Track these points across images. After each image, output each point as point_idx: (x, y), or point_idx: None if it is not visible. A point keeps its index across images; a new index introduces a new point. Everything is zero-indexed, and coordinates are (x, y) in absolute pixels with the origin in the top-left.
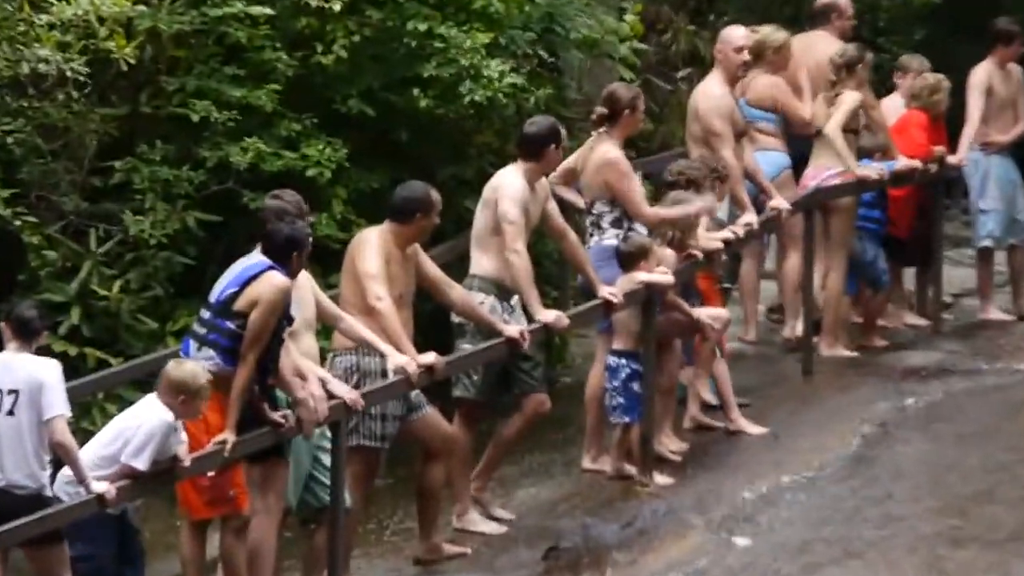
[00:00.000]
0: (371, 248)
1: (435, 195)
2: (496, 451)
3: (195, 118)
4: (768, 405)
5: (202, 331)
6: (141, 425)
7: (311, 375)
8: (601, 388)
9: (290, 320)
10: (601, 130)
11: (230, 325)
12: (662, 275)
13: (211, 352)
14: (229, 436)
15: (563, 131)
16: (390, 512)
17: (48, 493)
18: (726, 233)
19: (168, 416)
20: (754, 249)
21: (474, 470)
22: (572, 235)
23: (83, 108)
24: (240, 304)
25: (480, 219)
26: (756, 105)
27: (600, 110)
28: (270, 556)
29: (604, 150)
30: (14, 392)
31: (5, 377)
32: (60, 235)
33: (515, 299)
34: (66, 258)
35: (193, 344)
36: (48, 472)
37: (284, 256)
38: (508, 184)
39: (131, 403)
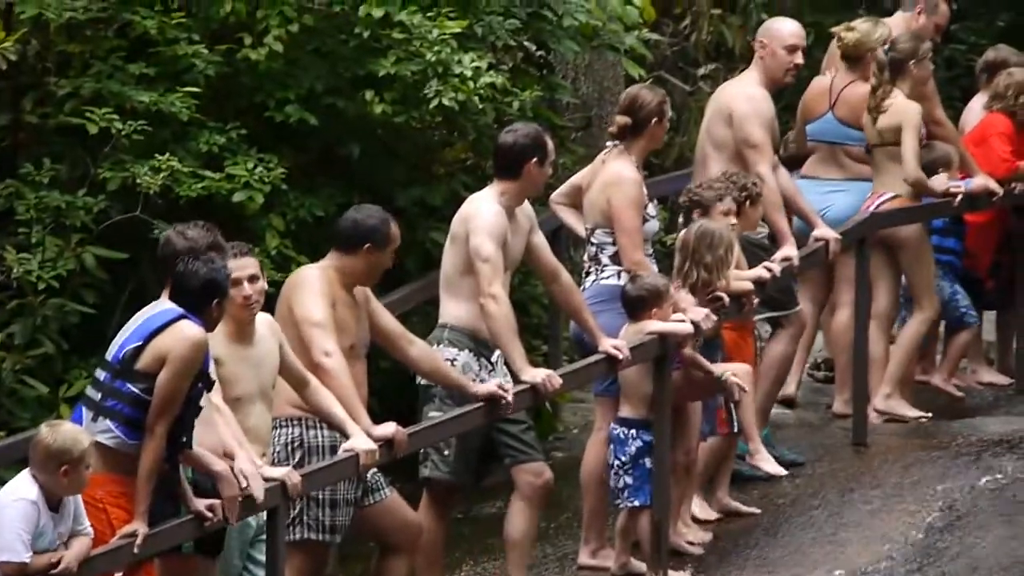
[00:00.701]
0: (310, 290)
1: (394, 227)
2: (515, 555)
3: (93, 129)
4: (811, 484)
5: (97, 396)
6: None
7: (241, 452)
8: (602, 465)
9: (208, 383)
10: (616, 143)
11: (132, 389)
12: (679, 323)
13: (108, 423)
14: (139, 527)
15: (550, 142)
16: None
17: None
18: (759, 271)
19: (30, 492)
20: (813, 289)
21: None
22: (565, 275)
23: None
24: (144, 363)
25: (449, 257)
26: (850, 122)
27: (622, 119)
28: None
29: (619, 168)
30: None
31: None
32: None
33: (496, 354)
34: None
35: (86, 413)
36: None
37: (200, 304)
38: (481, 213)
39: None
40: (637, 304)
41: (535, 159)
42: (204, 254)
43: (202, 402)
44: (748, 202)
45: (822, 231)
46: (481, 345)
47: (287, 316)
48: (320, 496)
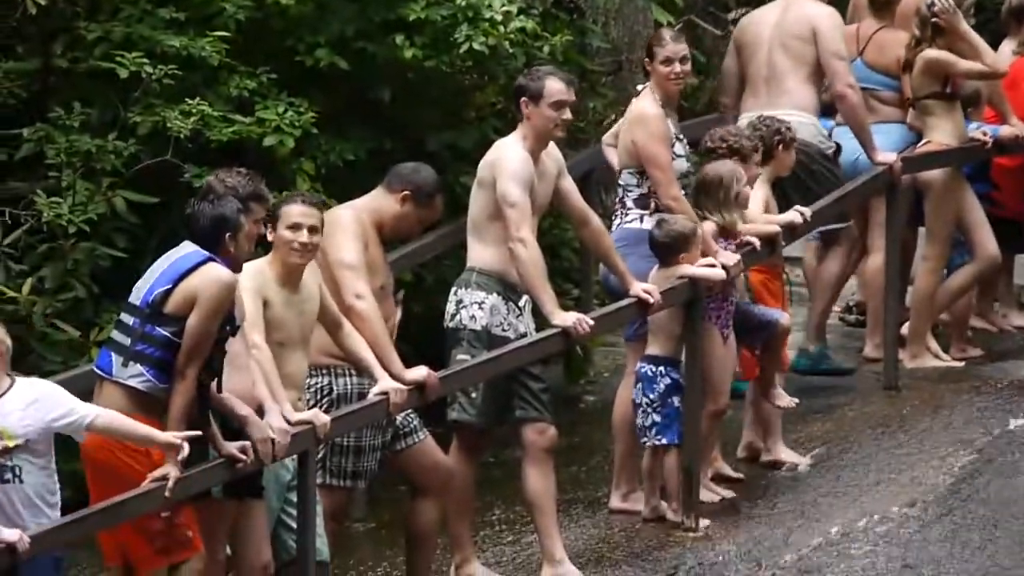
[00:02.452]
0: (343, 232)
1: (439, 200)
2: (541, 517)
3: (123, 74)
4: (841, 429)
5: (126, 341)
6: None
7: (272, 405)
8: (633, 409)
9: (234, 327)
10: (646, 84)
11: (163, 332)
12: (710, 269)
13: (140, 367)
14: (171, 470)
15: (552, 84)
16: (372, 562)
17: None
18: (791, 215)
19: None
20: (846, 241)
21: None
22: (595, 219)
23: None
24: (173, 305)
25: (476, 202)
26: (879, 67)
27: (647, 60)
28: None
29: (642, 105)
30: None
31: None
32: None
33: (524, 299)
34: None
35: (116, 358)
36: None
37: (213, 242)
38: (507, 157)
39: None
40: (665, 250)
41: (531, 100)
42: (216, 192)
43: (228, 346)
44: (781, 146)
45: (883, 156)
46: (509, 289)
47: (320, 257)
48: (344, 443)
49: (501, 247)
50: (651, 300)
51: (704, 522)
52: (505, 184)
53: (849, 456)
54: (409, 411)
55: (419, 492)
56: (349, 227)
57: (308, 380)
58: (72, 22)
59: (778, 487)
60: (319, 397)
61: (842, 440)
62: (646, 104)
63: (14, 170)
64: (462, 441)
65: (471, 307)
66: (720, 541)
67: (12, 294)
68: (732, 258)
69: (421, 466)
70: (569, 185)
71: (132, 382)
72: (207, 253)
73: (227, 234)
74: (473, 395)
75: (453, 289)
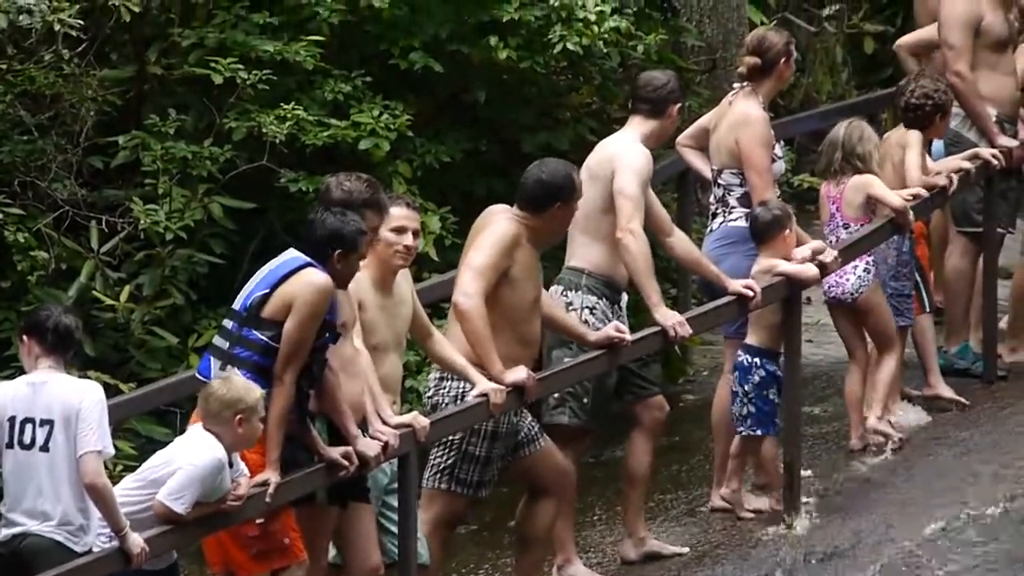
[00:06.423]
0: (491, 236)
1: (578, 178)
2: (636, 492)
3: (218, 80)
4: (942, 420)
5: (225, 345)
6: (186, 462)
7: (374, 418)
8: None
9: (335, 335)
10: (744, 84)
11: (260, 336)
12: (807, 267)
13: (237, 371)
14: (271, 475)
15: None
16: (474, 565)
17: (85, 540)
18: (939, 178)
19: (221, 452)
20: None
21: (630, 522)
22: (678, 230)
23: (77, 70)
24: (271, 310)
25: (588, 196)
26: None
27: (751, 60)
28: None
29: (747, 107)
30: (48, 423)
31: (37, 404)
32: (52, 230)
33: (625, 299)
34: (61, 259)
35: (215, 362)
36: (93, 519)
37: (322, 253)
38: (629, 151)
39: (148, 439)
40: (769, 227)
41: (679, 104)
42: (353, 205)
43: (343, 351)
44: (941, 115)
45: (1004, 140)
46: (615, 291)
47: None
48: (477, 453)
49: (610, 244)
50: (751, 294)
51: (804, 518)
52: (625, 176)
53: (949, 449)
54: (529, 418)
55: (538, 495)
56: (500, 235)
57: (448, 384)
58: (166, 29)
59: (876, 481)
60: (457, 402)
61: (941, 433)
62: (751, 106)
63: (110, 178)
64: (567, 443)
65: (582, 311)
66: (821, 537)
67: (110, 302)
68: (830, 254)
69: (545, 470)
70: (653, 195)
71: None
72: (306, 258)
73: (338, 251)
74: (585, 400)
75: (558, 289)
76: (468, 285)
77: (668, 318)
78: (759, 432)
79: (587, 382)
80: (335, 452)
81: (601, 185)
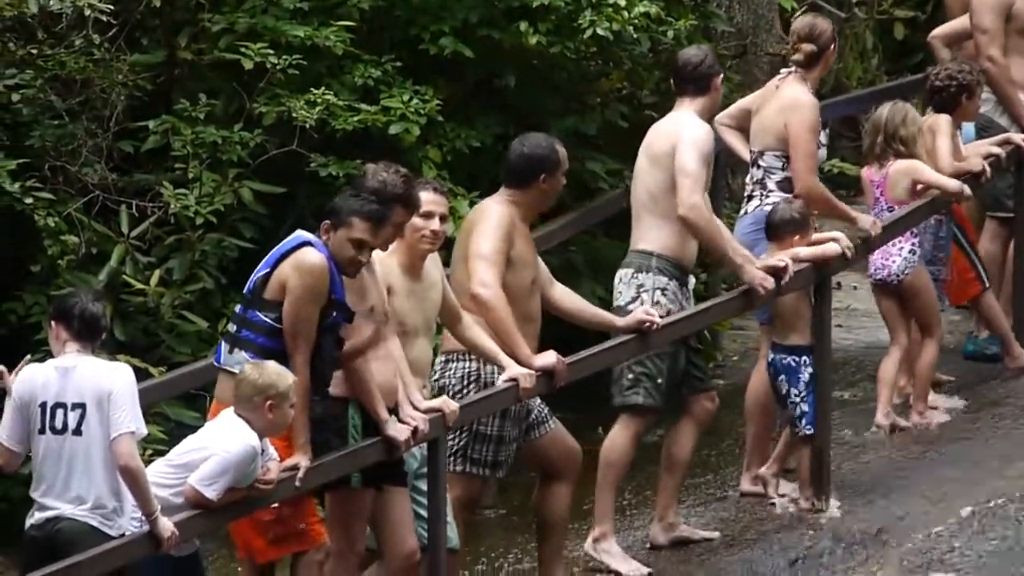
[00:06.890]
0: (488, 224)
1: (561, 150)
2: (674, 478)
3: (248, 64)
4: (972, 407)
5: (233, 328)
6: (220, 449)
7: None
8: (766, 392)
9: (345, 313)
10: (792, 69)
11: (264, 318)
12: (828, 246)
13: (244, 354)
14: (301, 459)
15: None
16: (503, 549)
17: (119, 524)
18: (973, 162)
19: (254, 439)
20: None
21: (662, 507)
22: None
23: (107, 55)
24: (270, 291)
25: (652, 176)
26: None
27: (808, 47)
28: None
29: (798, 92)
30: (79, 406)
31: (68, 388)
32: (82, 215)
33: (692, 282)
34: (91, 243)
35: (224, 347)
36: (126, 502)
37: (319, 229)
38: (692, 127)
39: (177, 423)
40: (784, 226)
41: (720, 75)
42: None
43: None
44: (967, 96)
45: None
46: (683, 272)
47: (467, 249)
48: (488, 432)
49: (678, 225)
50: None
51: (835, 503)
52: (689, 153)
53: (979, 436)
54: (540, 400)
55: (551, 478)
56: (496, 220)
57: (455, 365)
58: (196, 14)
59: (908, 466)
60: (466, 383)
61: (972, 420)
62: (802, 91)
63: (140, 162)
64: (635, 424)
65: (654, 292)
66: (851, 521)
67: (140, 286)
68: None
69: (556, 452)
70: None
71: (236, 369)
72: (306, 236)
73: (326, 222)
74: (659, 380)
75: (628, 272)
76: (484, 274)
77: (755, 276)
78: (811, 432)
79: (660, 362)
80: (393, 428)
81: (663, 166)
